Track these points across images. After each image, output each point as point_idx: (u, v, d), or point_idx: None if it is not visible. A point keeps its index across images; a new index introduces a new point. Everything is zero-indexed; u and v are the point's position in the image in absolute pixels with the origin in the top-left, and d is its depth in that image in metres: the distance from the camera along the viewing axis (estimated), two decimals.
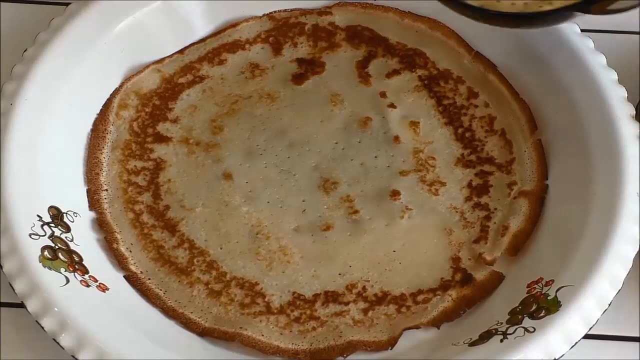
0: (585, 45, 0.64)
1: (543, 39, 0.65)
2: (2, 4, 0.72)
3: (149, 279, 0.58)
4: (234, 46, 0.69)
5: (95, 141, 0.63)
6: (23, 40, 0.64)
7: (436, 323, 0.56)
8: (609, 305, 0.53)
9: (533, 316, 0.53)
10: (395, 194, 0.62)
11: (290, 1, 0.71)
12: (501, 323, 0.54)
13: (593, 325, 0.52)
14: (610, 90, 0.61)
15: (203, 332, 0.56)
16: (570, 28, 0.65)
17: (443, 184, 0.63)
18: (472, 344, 0.53)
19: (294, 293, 0.58)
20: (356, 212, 0.61)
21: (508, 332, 0.52)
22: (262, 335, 0.55)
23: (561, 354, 0.51)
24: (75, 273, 0.55)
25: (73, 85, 0.63)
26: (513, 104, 0.66)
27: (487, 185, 0.63)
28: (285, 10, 0.71)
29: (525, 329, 0.52)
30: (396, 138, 0.65)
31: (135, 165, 0.63)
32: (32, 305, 0.53)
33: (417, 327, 0.56)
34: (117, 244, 0.59)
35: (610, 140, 0.59)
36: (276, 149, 0.64)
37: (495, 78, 0.67)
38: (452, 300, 0.57)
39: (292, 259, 0.59)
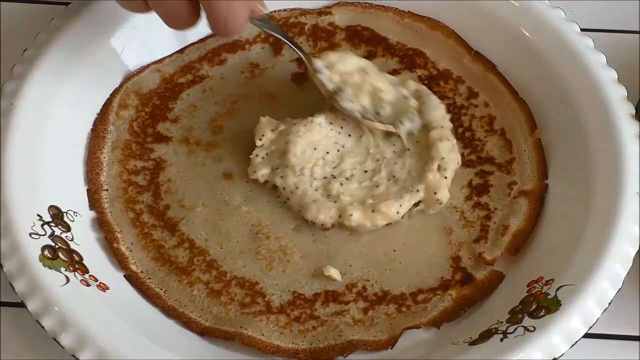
0: (585, 45, 0.64)
1: (543, 38, 0.65)
2: (2, 3, 0.72)
3: (149, 278, 0.58)
4: (234, 46, 0.69)
5: (95, 141, 0.63)
6: (23, 40, 0.64)
7: (436, 323, 0.56)
8: (609, 304, 0.53)
9: (533, 315, 0.53)
10: None
11: (290, 1, 0.71)
12: (501, 322, 0.54)
13: (593, 325, 0.52)
14: (610, 89, 0.61)
15: (203, 332, 0.56)
16: (570, 27, 0.65)
17: None
18: (473, 343, 0.53)
19: (294, 292, 0.58)
20: None
21: (508, 332, 0.52)
22: (262, 335, 0.55)
23: (561, 353, 0.51)
24: (76, 272, 0.55)
25: (73, 85, 0.63)
26: (513, 104, 0.66)
27: (487, 185, 0.63)
28: (285, 10, 0.71)
29: (526, 328, 0.52)
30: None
31: (135, 165, 0.63)
32: (32, 305, 0.53)
33: (417, 326, 0.56)
34: (117, 243, 0.59)
35: (610, 139, 0.59)
36: None
37: (495, 78, 0.67)
38: (452, 299, 0.57)
39: (292, 259, 0.59)
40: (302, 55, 0.63)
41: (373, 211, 0.59)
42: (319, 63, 0.62)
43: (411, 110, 0.62)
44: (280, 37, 0.62)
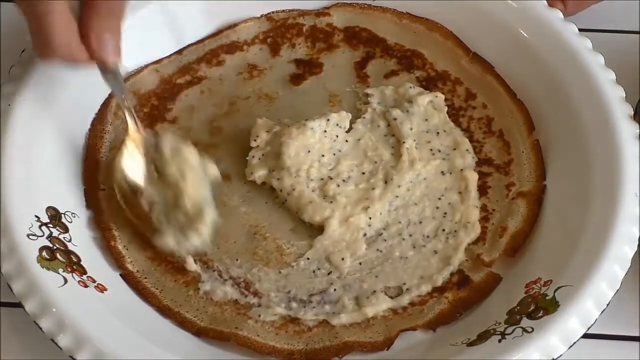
0: (584, 45, 0.64)
1: (541, 39, 0.65)
2: (2, 3, 0.72)
3: (145, 277, 0.58)
4: (232, 47, 0.69)
5: (93, 141, 0.63)
6: (22, 41, 0.64)
7: (432, 325, 0.56)
8: (607, 305, 0.53)
9: (531, 316, 0.53)
10: None
11: (288, 2, 0.71)
12: (499, 323, 0.54)
13: (591, 325, 0.52)
14: (608, 90, 0.61)
15: (198, 332, 0.56)
16: (568, 28, 0.65)
17: None
18: (470, 344, 0.53)
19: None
20: None
21: (506, 332, 0.52)
22: (258, 336, 0.55)
23: (559, 354, 0.51)
24: (74, 273, 0.55)
25: (71, 85, 0.63)
26: (511, 105, 0.66)
27: (485, 187, 0.63)
28: (283, 11, 0.71)
29: (524, 329, 0.52)
30: None
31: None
32: (30, 306, 0.52)
33: (413, 329, 0.56)
34: (114, 241, 0.59)
35: (609, 140, 0.59)
36: None
37: (493, 79, 0.67)
38: (448, 302, 0.57)
39: (289, 259, 0.59)
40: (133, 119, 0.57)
41: None
42: (149, 137, 0.57)
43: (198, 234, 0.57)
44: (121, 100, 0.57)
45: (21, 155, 0.58)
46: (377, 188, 0.61)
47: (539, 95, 0.64)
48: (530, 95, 0.65)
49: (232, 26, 0.70)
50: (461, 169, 0.62)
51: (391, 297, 0.57)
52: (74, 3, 0.51)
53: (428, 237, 0.60)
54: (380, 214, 0.60)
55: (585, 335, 0.52)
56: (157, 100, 0.67)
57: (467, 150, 0.63)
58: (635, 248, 0.55)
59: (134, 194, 0.58)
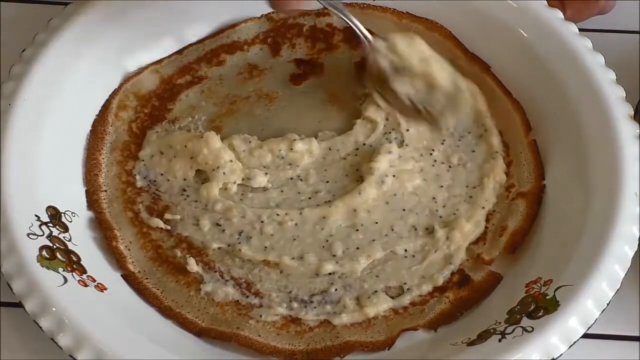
0: (584, 45, 0.64)
1: (541, 39, 0.65)
2: (2, 3, 0.72)
3: (147, 278, 0.58)
4: (233, 47, 0.69)
5: (94, 142, 0.63)
6: (22, 40, 0.64)
7: (433, 325, 0.56)
8: (608, 304, 0.53)
9: (531, 316, 0.53)
10: None
11: None
12: (499, 323, 0.54)
13: (591, 325, 0.52)
14: (608, 90, 0.61)
15: (200, 332, 0.56)
16: (568, 28, 0.65)
17: None
18: (471, 343, 0.53)
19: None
20: None
21: (506, 332, 0.52)
22: (259, 336, 0.55)
23: (559, 354, 0.51)
24: (73, 273, 0.55)
25: (71, 85, 0.63)
26: (508, 105, 0.66)
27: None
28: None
29: (524, 329, 0.52)
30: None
31: (134, 166, 0.63)
32: (30, 305, 0.52)
33: (414, 328, 0.56)
34: (116, 241, 0.59)
35: (609, 140, 0.59)
36: None
37: (491, 80, 0.67)
38: (449, 302, 0.57)
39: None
40: (359, 31, 0.61)
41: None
42: (380, 43, 0.60)
43: (463, 107, 0.62)
44: (339, 14, 0.60)
45: (21, 155, 0.58)
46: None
47: (539, 95, 0.65)
48: (530, 95, 0.65)
49: (232, 26, 0.70)
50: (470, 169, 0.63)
51: (392, 297, 0.57)
52: None
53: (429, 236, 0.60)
54: (381, 214, 0.60)
55: (585, 335, 0.52)
56: (158, 100, 0.67)
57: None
58: (635, 248, 0.55)
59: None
